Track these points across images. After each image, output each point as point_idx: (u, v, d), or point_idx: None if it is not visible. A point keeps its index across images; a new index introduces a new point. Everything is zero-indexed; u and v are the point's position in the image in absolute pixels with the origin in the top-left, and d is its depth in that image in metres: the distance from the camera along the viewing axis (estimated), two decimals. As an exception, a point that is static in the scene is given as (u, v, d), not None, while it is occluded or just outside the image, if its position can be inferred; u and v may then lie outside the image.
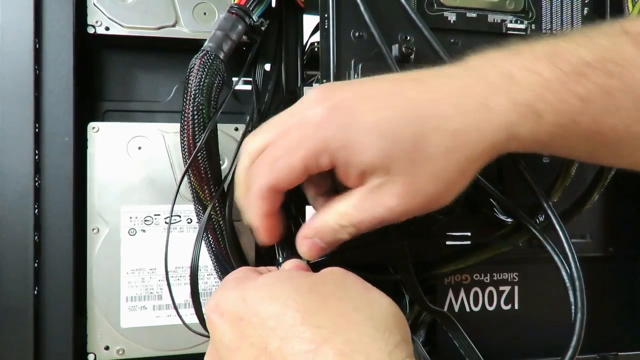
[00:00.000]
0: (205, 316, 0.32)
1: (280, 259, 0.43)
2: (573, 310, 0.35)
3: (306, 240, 0.34)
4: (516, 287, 0.48)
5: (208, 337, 0.44)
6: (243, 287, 0.30)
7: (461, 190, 0.32)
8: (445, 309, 0.46)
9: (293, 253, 0.43)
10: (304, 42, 0.54)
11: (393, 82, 0.33)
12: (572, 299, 0.35)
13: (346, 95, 0.31)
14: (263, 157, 0.33)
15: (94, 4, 0.46)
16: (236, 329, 0.28)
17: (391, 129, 0.30)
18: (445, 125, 0.30)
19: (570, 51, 0.31)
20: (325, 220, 0.33)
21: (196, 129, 0.41)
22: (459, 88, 0.31)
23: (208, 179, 0.42)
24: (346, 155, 0.30)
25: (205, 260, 0.44)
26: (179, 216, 0.48)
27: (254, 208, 0.34)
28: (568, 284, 0.36)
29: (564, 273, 0.36)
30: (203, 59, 0.41)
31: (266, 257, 0.50)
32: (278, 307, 0.27)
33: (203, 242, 0.43)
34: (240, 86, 0.54)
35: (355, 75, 0.41)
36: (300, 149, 0.31)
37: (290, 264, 0.37)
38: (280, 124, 0.33)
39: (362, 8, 0.40)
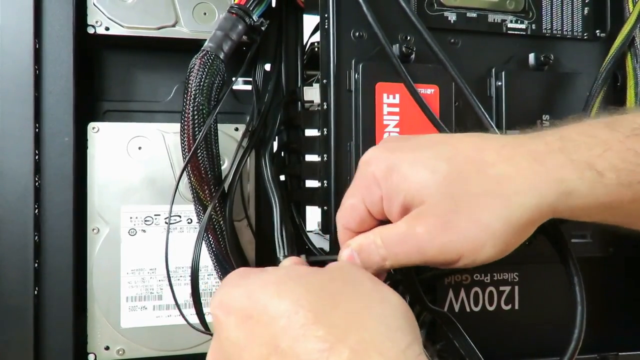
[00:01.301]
0: (211, 313, 0.31)
1: (281, 257, 0.43)
2: (574, 304, 0.35)
3: (348, 249, 0.34)
4: (516, 287, 0.48)
5: (211, 335, 0.44)
6: (248, 283, 0.30)
7: (510, 248, 0.31)
8: (446, 309, 0.46)
9: (292, 251, 0.43)
10: (304, 42, 0.54)
11: (448, 136, 0.34)
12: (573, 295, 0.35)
13: (399, 143, 0.34)
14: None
15: (94, 4, 0.46)
16: (244, 327, 0.28)
17: (429, 162, 0.31)
18: (488, 169, 0.30)
19: (629, 119, 0.31)
20: (367, 236, 0.33)
21: (196, 129, 0.41)
22: (512, 142, 0.31)
23: (208, 179, 0.42)
24: (389, 186, 0.32)
25: (206, 260, 0.44)
26: (179, 216, 0.48)
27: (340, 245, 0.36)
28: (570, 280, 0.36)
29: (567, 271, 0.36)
30: (203, 59, 0.41)
31: (266, 256, 0.50)
32: (289, 305, 0.27)
33: (203, 242, 0.43)
34: (241, 86, 0.54)
35: (356, 75, 0.41)
36: (356, 187, 0.34)
37: (289, 261, 0.37)
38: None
39: (364, 8, 0.40)
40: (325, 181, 0.42)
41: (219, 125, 0.45)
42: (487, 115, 0.40)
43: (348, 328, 0.26)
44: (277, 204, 0.45)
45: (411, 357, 0.25)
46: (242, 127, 0.50)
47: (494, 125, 0.40)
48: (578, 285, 0.35)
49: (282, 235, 0.43)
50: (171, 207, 0.43)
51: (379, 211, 0.33)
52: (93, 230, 0.46)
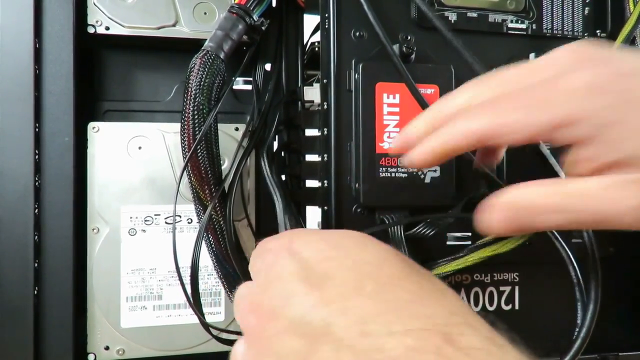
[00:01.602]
0: (261, 253, 0.28)
1: None
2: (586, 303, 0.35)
3: (499, 209, 0.27)
4: (517, 288, 0.48)
5: (213, 335, 0.43)
6: (324, 232, 0.28)
7: None
8: (446, 309, 0.46)
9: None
10: (305, 42, 0.54)
11: None
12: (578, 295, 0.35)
13: (628, 60, 0.26)
14: (487, 102, 0.27)
15: (94, 4, 0.46)
16: (319, 267, 0.25)
17: None
18: None
19: None
20: (536, 192, 0.26)
21: (197, 128, 0.41)
22: None
23: (208, 179, 0.42)
24: (614, 135, 0.24)
25: (206, 260, 0.44)
26: (180, 216, 0.48)
27: (438, 138, 0.28)
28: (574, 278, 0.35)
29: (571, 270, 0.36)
30: (203, 59, 0.41)
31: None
32: (373, 256, 0.25)
33: (203, 242, 0.43)
34: (241, 86, 0.54)
35: (356, 75, 0.41)
36: (551, 108, 0.25)
37: None
38: (508, 81, 0.28)
39: (365, 7, 0.40)
40: (325, 181, 0.42)
41: (219, 125, 0.45)
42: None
43: (438, 292, 0.24)
44: (280, 200, 0.45)
45: (501, 338, 0.24)
46: (242, 127, 0.50)
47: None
48: (595, 282, 0.34)
49: (286, 229, 0.43)
50: (175, 206, 0.43)
51: (545, 139, 0.26)
52: (93, 230, 0.46)
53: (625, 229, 0.25)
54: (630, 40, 0.43)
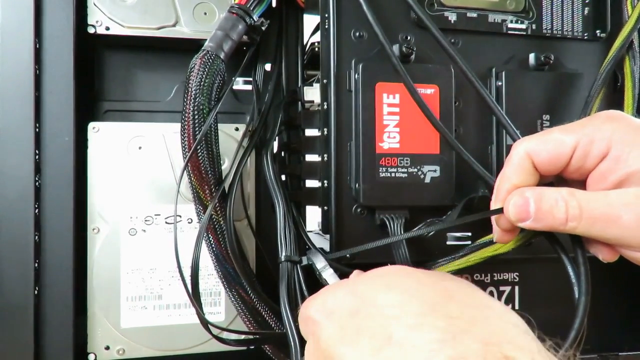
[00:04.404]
0: (304, 319, 0.29)
1: (282, 257, 0.42)
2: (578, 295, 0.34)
3: (520, 197, 0.30)
4: (516, 287, 0.48)
5: (212, 335, 0.43)
6: (351, 283, 0.28)
7: None
8: (446, 309, 0.46)
9: (295, 252, 0.43)
10: (304, 42, 0.54)
11: None
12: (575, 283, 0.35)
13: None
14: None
15: (94, 4, 0.46)
16: (350, 324, 0.25)
17: None
18: None
19: None
20: (553, 190, 0.29)
21: (197, 128, 0.41)
22: None
23: (208, 179, 0.42)
24: (625, 151, 0.28)
25: (206, 260, 0.44)
26: (180, 216, 0.48)
27: (504, 174, 0.31)
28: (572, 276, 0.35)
29: (568, 265, 0.36)
30: (203, 59, 0.41)
31: (267, 256, 0.50)
32: (399, 296, 0.25)
33: (203, 242, 0.43)
34: (241, 86, 0.54)
35: (356, 75, 0.41)
36: (579, 127, 0.30)
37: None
38: None
39: (364, 7, 0.40)
40: (325, 181, 0.42)
41: (219, 125, 0.45)
42: (504, 115, 0.39)
43: (472, 320, 0.23)
44: (281, 204, 0.44)
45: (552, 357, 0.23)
46: (242, 127, 0.50)
47: (510, 124, 0.39)
48: (585, 276, 0.34)
49: (285, 236, 0.43)
50: (175, 206, 0.43)
51: (582, 159, 0.30)
52: (93, 230, 0.46)
53: (630, 245, 0.29)
54: (629, 43, 0.43)
